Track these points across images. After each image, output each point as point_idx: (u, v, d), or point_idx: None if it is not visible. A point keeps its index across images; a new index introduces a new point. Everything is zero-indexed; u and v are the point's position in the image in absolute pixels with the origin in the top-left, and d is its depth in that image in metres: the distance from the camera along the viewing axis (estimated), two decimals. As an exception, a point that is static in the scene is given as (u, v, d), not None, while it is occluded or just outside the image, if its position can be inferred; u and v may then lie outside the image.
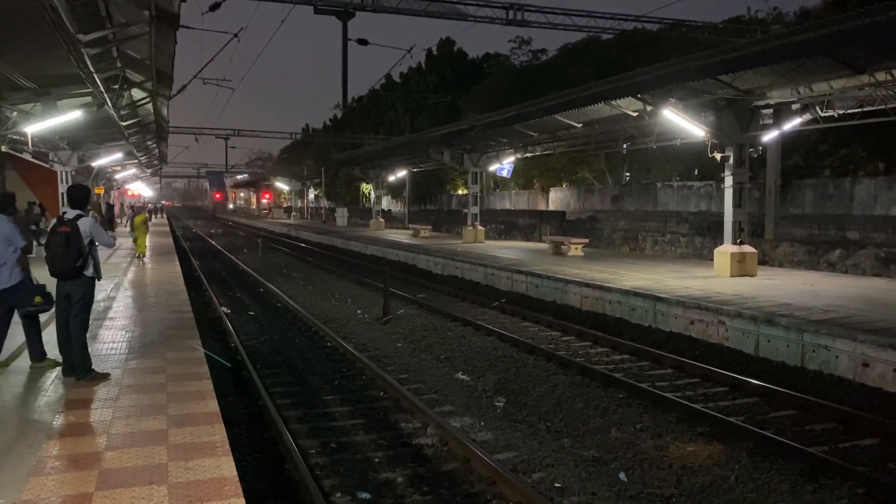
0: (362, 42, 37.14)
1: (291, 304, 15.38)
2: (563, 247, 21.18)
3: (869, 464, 6.25)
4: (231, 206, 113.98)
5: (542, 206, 34.70)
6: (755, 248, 15.42)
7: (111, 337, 8.47)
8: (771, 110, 14.67)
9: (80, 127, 18.05)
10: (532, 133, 21.58)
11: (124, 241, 24.51)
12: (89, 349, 6.54)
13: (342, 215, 50.80)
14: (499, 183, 39.91)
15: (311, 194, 74.40)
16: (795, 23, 25.63)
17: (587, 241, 22.31)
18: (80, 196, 6.46)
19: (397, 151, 33.08)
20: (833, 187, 19.94)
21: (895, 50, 10.77)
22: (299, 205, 75.77)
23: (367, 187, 54.46)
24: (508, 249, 23.26)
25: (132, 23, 9.59)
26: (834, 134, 20.57)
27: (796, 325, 9.42)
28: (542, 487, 5.84)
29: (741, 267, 14.57)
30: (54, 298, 6.49)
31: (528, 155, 26.64)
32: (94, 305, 7.23)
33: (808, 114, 14.26)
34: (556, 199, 34.23)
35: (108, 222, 26.27)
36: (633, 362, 10.14)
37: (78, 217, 6.27)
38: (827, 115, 13.95)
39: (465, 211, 28.13)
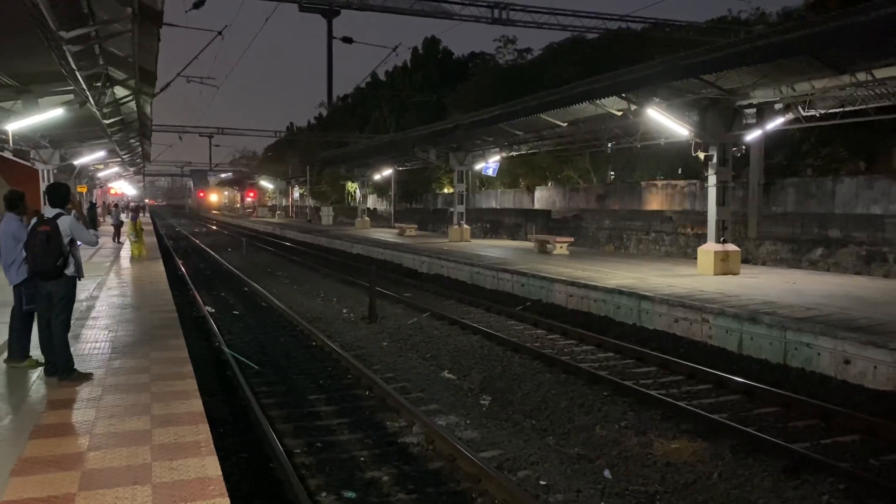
0: (347, 40, 37.04)
1: (276, 303, 15.31)
2: (548, 245, 21.25)
3: (850, 459, 6.33)
4: (215, 204, 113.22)
5: (527, 205, 34.77)
6: (738, 246, 15.55)
7: (94, 337, 8.39)
8: (754, 110, 14.78)
9: (62, 125, 17.82)
10: (517, 132, 21.62)
11: (107, 241, 24.26)
12: (72, 349, 6.48)
13: (327, 214, 50.65)
14: (484, 182, 39.92)
15: (297, 193, 74.10)
16: (778, 23, 25.87)
17: (572, 239, 22.42)
18: (58, 194, 6.37)
19: (383, 150, 33.00)
20: (815, 186, 20.15)
21: (876, 50, 10.90)
22: (284, 203, 75.40)
23: (352, 186, 54.37)
24: (494, 248, 23.30)
25: (115, 20, 9.48)
26: (816, 133, 20.80)
27: (779, 323, 9.51)
28: (527, 485, 5.87)
29: (725, 265, 14.68)
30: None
31: (514, 154, 26.69)
32: (77, 305, 7.15)
33: (790, 113, 14.40)
34: (542, 197, 34.31)
35: (91, 221, 25.98)
36: (617, 360, 10.19)
37: (58, 216, 6.21)
38: (809, 114, 14.10)
39: (451, 210, 28.14)
